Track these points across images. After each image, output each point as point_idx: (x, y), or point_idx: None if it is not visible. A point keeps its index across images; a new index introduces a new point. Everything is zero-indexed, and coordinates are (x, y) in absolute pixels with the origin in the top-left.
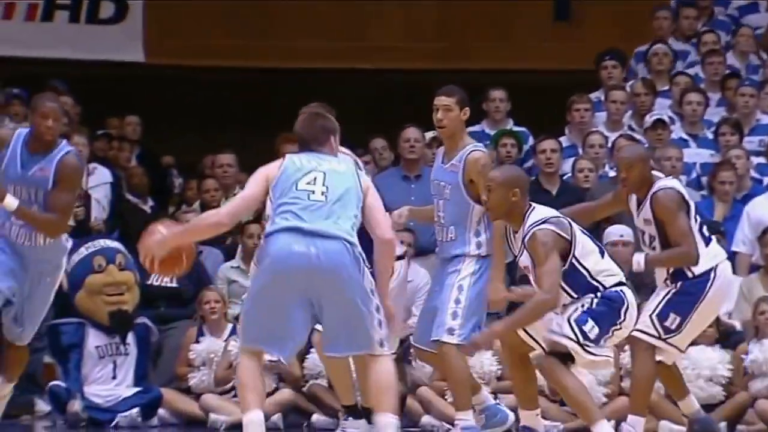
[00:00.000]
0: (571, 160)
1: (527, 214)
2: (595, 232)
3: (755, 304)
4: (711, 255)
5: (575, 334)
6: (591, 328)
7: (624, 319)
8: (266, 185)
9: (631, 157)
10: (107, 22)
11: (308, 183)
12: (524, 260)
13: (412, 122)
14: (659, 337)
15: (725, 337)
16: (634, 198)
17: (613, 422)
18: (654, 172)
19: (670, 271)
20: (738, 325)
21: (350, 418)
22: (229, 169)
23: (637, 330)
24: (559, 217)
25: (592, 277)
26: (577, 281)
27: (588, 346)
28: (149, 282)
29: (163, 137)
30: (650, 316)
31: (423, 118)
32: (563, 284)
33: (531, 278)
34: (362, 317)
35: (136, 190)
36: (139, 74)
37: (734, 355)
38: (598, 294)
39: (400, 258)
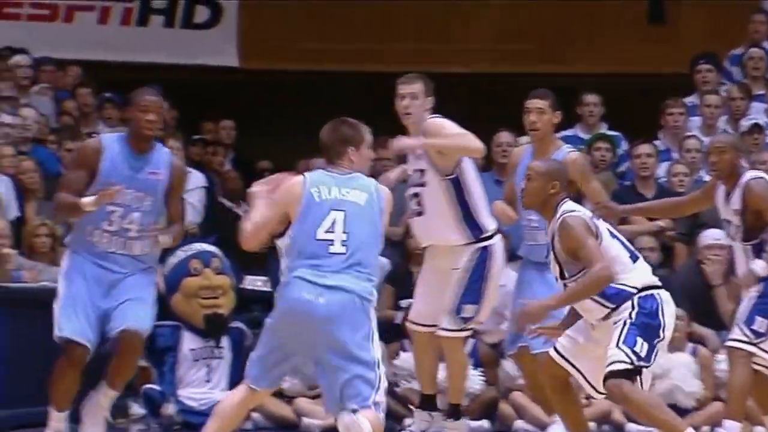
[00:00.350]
0: (666, 164)
1: (559, 206)
2: (692, 236)
3: None
4: None
5: (629, 358)
6: (641, 346)
7: (664, 324)
8: (284, 213)
9: (724, 142)
10: (202, 27)
11: (327, 231)
12: (556, 255)
13: (503, 126)
14: (751, 342)
15: None
16: (721, 191)
17: (708, 428)
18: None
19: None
20: None
21: (450, 420)
22: None
23: (731, 339)
24: (588, 215)
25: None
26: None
27: (643, 365)
28: (243, 286)
29: (257, 141)
30: (740, 323)
31: (514, 122)
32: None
33: (561, 274)
34: (355, 369)
35: (230, 194)
36: (234, 78)
37: None
38: (633, 303)
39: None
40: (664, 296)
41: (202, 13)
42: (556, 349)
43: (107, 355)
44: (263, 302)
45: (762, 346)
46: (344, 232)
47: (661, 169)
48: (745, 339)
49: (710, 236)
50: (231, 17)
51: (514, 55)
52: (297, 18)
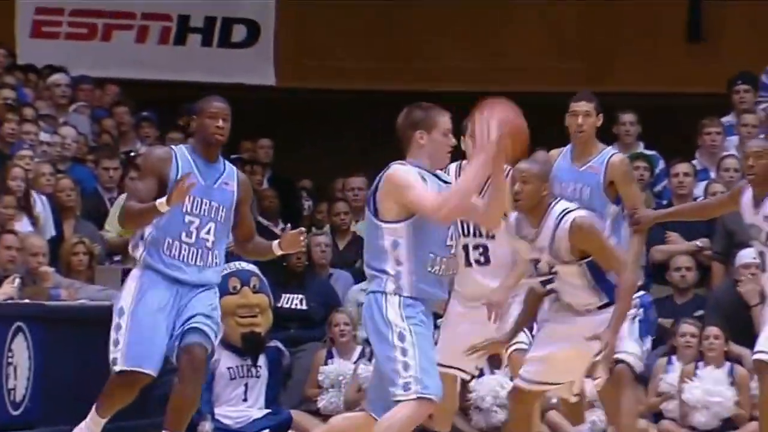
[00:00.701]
0: (703, 183)
1: (551, 207)
2: (728, 255)
3: None
4: None
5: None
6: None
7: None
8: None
9: (763, 146)
10: (239, 46)
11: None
12: (549, 252)
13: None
14: None
15: None
16: (748, 196)
17: None
18: None
19: None
20: None
21: None
22: (359, 192)
23: (759, 352)
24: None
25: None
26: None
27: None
28: (280, 304)
29: (294, 160)
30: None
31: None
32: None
33: (549, 268)
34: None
35: (267, 212)
36: (272, 97)
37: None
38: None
39: None
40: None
41: (239, 32)
42: (523, 379)
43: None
44: (300, 320)
45: None
46: None
47: (699, 189)
48: None
49: (747, 255)
50: (268, 36)
51: (560, 72)
52: (335, 37)
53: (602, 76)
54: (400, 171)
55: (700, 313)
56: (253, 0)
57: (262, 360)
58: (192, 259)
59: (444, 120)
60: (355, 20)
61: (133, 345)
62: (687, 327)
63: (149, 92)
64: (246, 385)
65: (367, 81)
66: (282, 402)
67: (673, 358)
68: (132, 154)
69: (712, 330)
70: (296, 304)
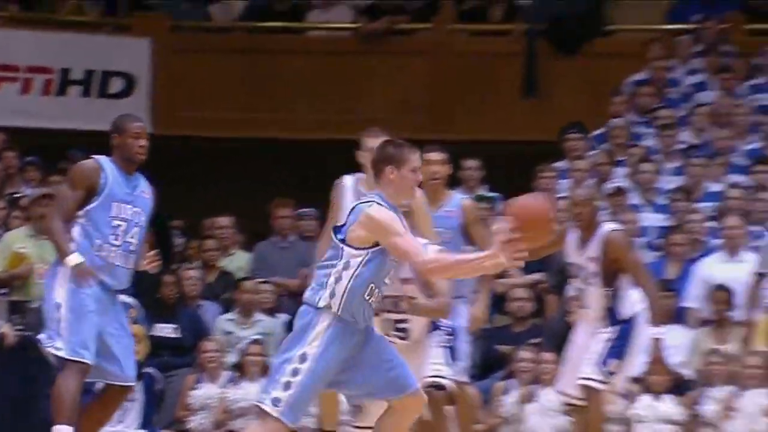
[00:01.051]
0: None
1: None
2: (561, 288)
3: (705, 356)
4: None
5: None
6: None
7: None
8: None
9: (586, 195)
10: (117, 96)
11: None
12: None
13: None
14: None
15: (677, 385)
16: (574, 238)
17: None
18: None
19: None
20: (689, 375)
21: None
22: (226, 231)
23: (583, 378)
24: None
25: None
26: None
27: None
28: (154, 333)
29: (167, 200)
30: (592, 363)
31: None
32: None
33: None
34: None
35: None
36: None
37: (686, 403)
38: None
39: None
40: None
41: (117, 84)
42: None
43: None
44: (172, 348)
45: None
46: None
47: None
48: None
49: (574, 289)
50: (143, 88)
51: (410, 123)
52: (203, 89)
53: (445, 127)
54: (384, 214)
55: (536, 340)
56: (130, 55)
57: (138, 385)
58: (118, 260)
59: (414, 158)
60: (222, 75)
61: (74, 333)
62: (524, 353)
63: (34, 139)
64: (122, 408)
65: (232, 129)
66: (155, 423)
67: (512, 381)
68: (16, 195)
69: (547, 356)
70: (169, 333)
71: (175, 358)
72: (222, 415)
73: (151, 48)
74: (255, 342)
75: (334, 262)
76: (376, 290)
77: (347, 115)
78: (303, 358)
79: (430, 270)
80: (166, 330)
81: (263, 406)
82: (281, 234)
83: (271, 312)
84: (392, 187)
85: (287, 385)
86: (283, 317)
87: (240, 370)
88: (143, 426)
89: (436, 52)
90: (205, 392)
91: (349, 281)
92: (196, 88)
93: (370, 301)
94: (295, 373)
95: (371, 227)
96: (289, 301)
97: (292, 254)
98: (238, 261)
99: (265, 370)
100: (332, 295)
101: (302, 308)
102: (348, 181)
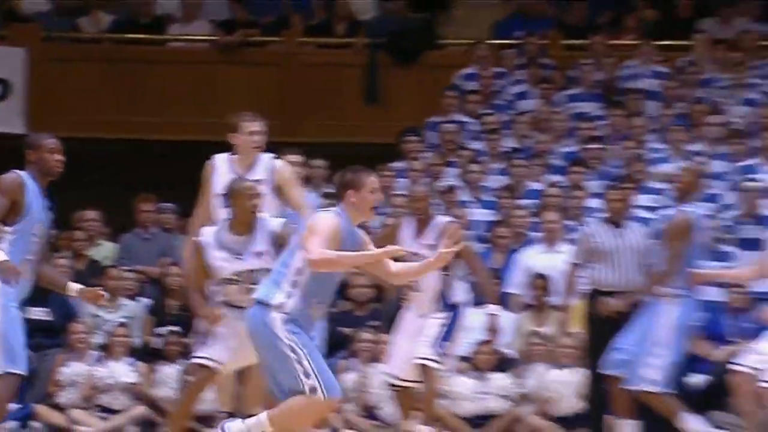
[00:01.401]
0: (380, 218)
1: None
2: None
3: (527, 337)
4: None
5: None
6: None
7: None
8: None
9: (424, 191)
10: None
11: None
12: None
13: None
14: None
15: (502, 364)
16: (410, 229)
17: None
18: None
19: None
20: (513, 354)
21: None
22: (93, 223)
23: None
24: None
25: None
26: None
27: None
28: (28, 317)
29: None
30: (430, 344)
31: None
32: None
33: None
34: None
35: None
36: (21, 144)
37: (510, 380)
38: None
39: None
40: None
41: None
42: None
43: None
44: (44, 330)
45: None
46: None
47: (376, 222)
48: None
49: None
50: (18, 92)
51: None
52: (73, 93)
53: (295, 130)
54: (321, 219)
55: (375, 323)
56: (6, 63)
57: None
58: (28, 274)
59: (370, 180)
60: (91, 81)
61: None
62: (364, 335)
63: None
64: None
65: (101, 132)
66: (28, 398)
67: (353, 361)
68: None
69: (386, 337)
70: (41, 316)
71: (46, 339)
72: (89, 390)
73: (26, 56)
74: (121, 324)
75: (292, 259)
76: (324, 303)
77: (207, 119)
78: (293, 349)
79: (314, 262)
80: (38, 313)
81: (310, 400)
82: (144, 226)
83: (134, 297)
84: (354, 208)
85: (307, 374)
86: (145, 301)
87: (106, 350)
88: (18, 402)
89: (286, 63)
90: (73, 370)
91: (298, 287)
92: (67, 94)
93: (316, 310)
94: (299, 361)
95: (308, 231)
96: (150, 287)
97: (153, 245)
98: (104, 251)
99: (129, 351)
100: (288, 296)
101: (255, 309)
102: (219, 160)
